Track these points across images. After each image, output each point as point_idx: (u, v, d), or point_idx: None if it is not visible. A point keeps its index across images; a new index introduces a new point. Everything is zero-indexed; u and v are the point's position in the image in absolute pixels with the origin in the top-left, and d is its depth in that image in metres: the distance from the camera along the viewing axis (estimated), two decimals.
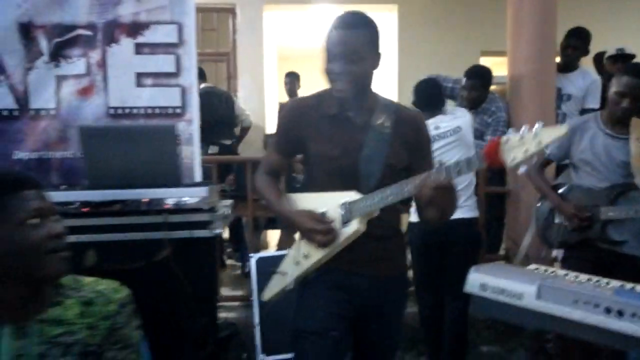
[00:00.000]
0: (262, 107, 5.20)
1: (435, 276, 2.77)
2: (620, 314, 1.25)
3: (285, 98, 5.36)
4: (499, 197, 3.48)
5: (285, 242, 4.00)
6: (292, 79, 5.24)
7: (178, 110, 2.83)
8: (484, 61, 5.44)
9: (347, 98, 1.51)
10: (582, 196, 2.23)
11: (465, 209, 2.64)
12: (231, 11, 4.81)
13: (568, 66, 3.48)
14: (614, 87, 2.17)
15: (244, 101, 4.63)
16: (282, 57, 6.76)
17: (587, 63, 3.86)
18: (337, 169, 1.53)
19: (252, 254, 3.14)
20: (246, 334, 2.93)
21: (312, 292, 1.57)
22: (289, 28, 6.76)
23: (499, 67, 4.12)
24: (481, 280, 1.49)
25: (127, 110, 2.86)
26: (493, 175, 3.39)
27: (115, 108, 2.86)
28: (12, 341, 1.03)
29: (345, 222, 1.48)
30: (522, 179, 2.88)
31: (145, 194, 1.64)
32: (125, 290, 1.15)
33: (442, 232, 2.46)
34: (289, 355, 2.88)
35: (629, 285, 1.40)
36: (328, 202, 1.53)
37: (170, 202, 1.75)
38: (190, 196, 1.70)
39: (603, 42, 3.89)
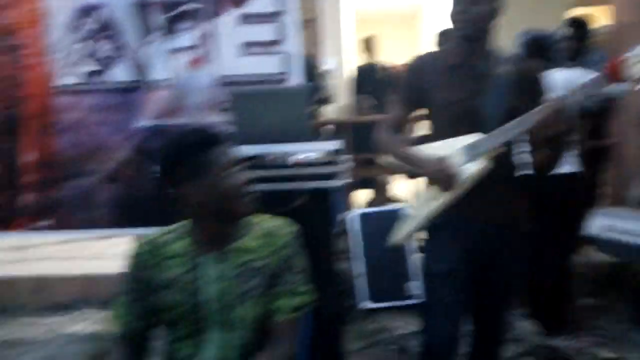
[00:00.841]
0: (342, 71, 5.30)
1: (538, 227, 2.81)
2: None
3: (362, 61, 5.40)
4: (597, 152, 3.42)
5: (375, 200, 4.18)
6: (370, 42, 5.27)
7: (283, 77, 3.01)
8: (579, 11, 5.23)
9: (468, 37, 1.59)
10: None
11: (565, 164, 2.65)
12: None
13: None
14: None
15: (326, 66, 4.74)
16: (360, 20, 6.79)
17: None
18: (460, 115, 1.62)
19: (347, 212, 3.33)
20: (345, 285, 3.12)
21: (438, 238, 1.70)
22: None
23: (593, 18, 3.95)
24: (607, 222, 1.55)
25: (235, 78, 3.08)
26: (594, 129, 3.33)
27: (224, 77, 3.09)
28: (215, 265, 1.25)
29: (469, 163, 1.58)
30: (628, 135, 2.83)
31: (283, 149, 1.82)
32: (294, 225, 1.34)
33: (545, 184, 2.49)
34: (391, 303, 3.09)
35: None
36: (452, 147, 1.63)
37: (301, 157, 1.92)
38: (321, 150, 1.86)
39: None
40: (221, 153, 1.24)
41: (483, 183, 1.59)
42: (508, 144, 1.61)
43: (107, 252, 4.08)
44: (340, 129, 3.73)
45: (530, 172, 1.94)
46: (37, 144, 3.29)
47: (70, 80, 3.19)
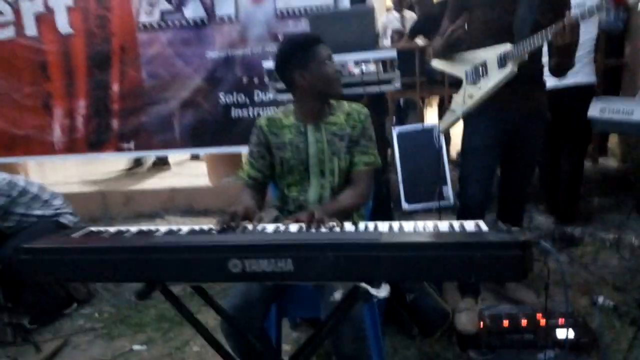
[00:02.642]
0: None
1: (554, 136, 3.25)
2: None
3: None
4: (616, 70, 3.77)
5: (412, 120, 4.64)
6: None
7: (331, 7, 3.43)
8: None
9: None
10: None
11: (582, 74, 3.04)
12: None
13: None
14: None
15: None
16: None
17: None
18: (495, 28, 2.06)
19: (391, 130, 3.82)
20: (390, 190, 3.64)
21: (475, 123, 2.19)
22: None
23: None
24: (601, 105, 2.01)
25: (290, 12, 3.53)
26: (611, 49, 3.68)
27: (282, 10, 3.54)
28: (314, 133, 1.79)
29: (501, 66, 2.05)
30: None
31: (355, 57, 2.32)
32: (366, 109, 1.85)
33: (563, 96, 2.90)
34: (422, 205, 3.61)
35: None
36: (489, 53, 2.09)
37: (357, 67, 2.41)
38: (382, 57, 2.35)
39: None
40: (321, 49, 1.73)
41: (512, 82, 2.05)
42: (533, 53, 2.04)
43: (181, 171, 4.72)
44: None
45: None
46: (124, 76, 3.85)
47: (149, 18, 3.70)
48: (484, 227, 1.29)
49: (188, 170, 4.68)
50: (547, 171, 3.38)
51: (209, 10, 3.64)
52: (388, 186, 3.05)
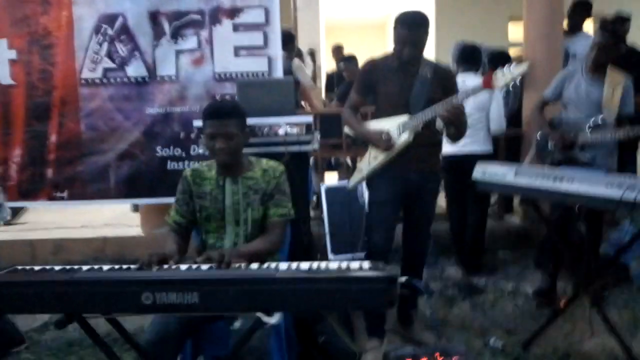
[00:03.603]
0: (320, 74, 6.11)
1: (461, 196, 3.66)
2: (563, 180, 2.13)
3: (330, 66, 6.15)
4: (516, 140, 4.29)
5: (340, 178, 4.98)
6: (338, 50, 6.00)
7: (266, 74, 3.77)
8: (512, 25, 6.15)
9: (408, 59, 2.38)
10: (568, 126, 3.05)
11: (478, 144, 3.51)
12: None
13: (573, 30, 4.23)
14: (593, 41, 2.98)
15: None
16: (328, 28, 7.60)
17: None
18: (396, 102, 2.41)
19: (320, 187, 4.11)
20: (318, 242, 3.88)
21: (379, 181, 2.50)
22: (336, 2, 7.55)
23: (520, 32, 4.81)
24: (482, 169, 2.37)
25: (228, 75, 3.83)
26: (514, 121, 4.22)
27: (219, 73, 3.84)
28: (230, 186, 2.01)
29: (400, 134, 2.39)
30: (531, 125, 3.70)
31: (275, 121, 2.60)
32: (282, 166, 2.10)
33: (463, 162, 3.31)
34: (350, 255, 3.86)
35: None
36: (389, 124, 2.43)
37: (282, 129, 2.70)
38: (301, 122, 2.65)
39: (605, 7, 4.61)
40: (208, 125, 1.90)
41: (411, 147, 2.40)
42: (427, 123, 2.40)
43: (115, 220, 4.76)
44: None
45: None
46: (62, 127, 3.96)
47: (92, 75, 3.89)
48: (365, 266, 1.53)
49: (121, 218, 4.74)
50: (456, 227, 3.76)
51: (151, 70, 3.87)
52: (310, 237, 3.28)
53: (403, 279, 1.47)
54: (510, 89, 2.94)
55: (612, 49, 2.95)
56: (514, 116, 4.25)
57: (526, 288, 3.34)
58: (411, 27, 2.32)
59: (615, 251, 2.77)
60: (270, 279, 1.41)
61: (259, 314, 1.38)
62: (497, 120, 3.58)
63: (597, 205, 2.05)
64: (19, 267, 1.59)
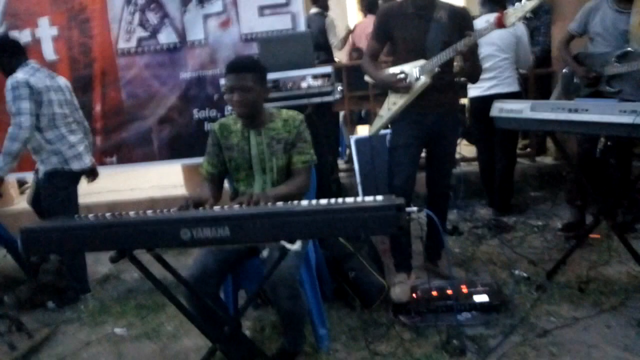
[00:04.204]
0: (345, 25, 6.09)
1: (488, 138, 3.69)
2: (577, 111, 2.17)
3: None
4: (546, 79, 4.23)
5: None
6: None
7: (290, 31, 3.86)
8: None
9: (422, 2, 2.42)
10: (594, 60, 3.01)
11: (505, 85, 3.50)
12: None
13: None
14: None
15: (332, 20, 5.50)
16: None
17: None
18: (412, 47, 2.47)
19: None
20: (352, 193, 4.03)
21: (400, 126, 2.59)
22: None
23: None
24: (499, 106, 2.43)
25: (254, 35, 3.94)
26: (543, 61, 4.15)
27: (246, 34, 3.96)
28: (255, 137, 2.17)
29: (418, 78, 2.46)
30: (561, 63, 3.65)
31: (294, 74, 2.73)
32: (301, 115, 2.24)
33: (489, 104, 3.32)
34: None
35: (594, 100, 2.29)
36: (407, 68, 2.50)
37: (305, 82, 2.81)
38: (320, 73, 2.76)
39: None
40: (227, 79, 2.03)
41: (429, 89, 2.47)
42: (444, 65, 2.45)
43: (161, 181, 5.07)
44: (339, 73, 4.57)
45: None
46: (105, 97, 4.23)
47: (127, 45, 4.10)
48: (378, 198, 1.68)
49: (167, 179, 5.05)
50: (485, 170, 3.81)
51: (181, 36, 4.04)
52: (339, 185, 3.43)
53: (415, 208, 1.60)
54: (524, 22, 2.89)
55: None
56: (544, 55, 4.17)
57: (556, 224, 3.39)
58: None
59: None
60: (291, 211, 1.57)
61: (283, 242, 1.55)
62: (524, 58, 3.55)
63: (612, 133, 2.08)
64: (77, 216, 1.82)
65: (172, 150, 4.28)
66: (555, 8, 4.11)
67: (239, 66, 2.05)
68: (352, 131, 4.87)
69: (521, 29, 3.48)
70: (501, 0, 3.70)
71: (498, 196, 3.71)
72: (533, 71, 4.03)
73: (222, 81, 2.92)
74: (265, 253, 1.91)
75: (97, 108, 4.24)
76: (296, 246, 1.56)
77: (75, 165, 3.05)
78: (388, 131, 4.26)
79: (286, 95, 2.74)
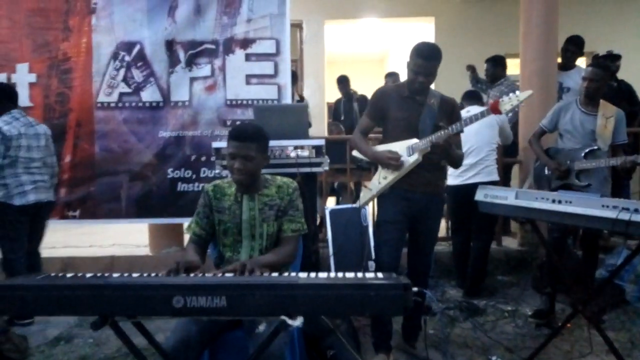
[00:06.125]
0: (323, 103, 6.33)
1: (465, 223, 3.80)
2: (561, 202, 2.27)
3: (333, 97, 6.41)
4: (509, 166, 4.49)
5: (343, 201, 5.10)
6: (344, 84, 6.23)
7: (275, 102, 3.95)
8: (508, 63, 6.41)
9: (420, 87, 2.55)
10: (564, 155, 3.22)
11: (485, 174, 3.67)
12: (299, 26, 5.92)
13: (567, 65, 4.47)
14: (584, 75, 3.18)
15: (308, 99, 5.74)
16: (329, 62, 7.88)
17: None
18: (405, 127, 2.56)
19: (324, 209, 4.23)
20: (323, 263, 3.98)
21: (388, 201, 2.63)
22: (340, 37, 7.85)
23: (517, 67, 5.06)
24: (484, 192, 2.52)
25: (239, 102, 4.01)
26: (509, 150, 4.40)
27: (231, 100, 4.02)
28: (247, 202, 2.13)
29: (409, 156, 2.54)
30: (527, 153, 3.89)
31: (289, 143, 2.76)
32: (295, 183, 2.23)
33: (470, 192, 3.45)
34: None
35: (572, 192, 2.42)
36: (398, 146, 2.58)
37: (293, 152, 2.84)
38: (313, 144, 2.79)
39: (597, 45, 4.89)
40: (230, 146, 2.03)
41: (418, 169, 2.54)
42: (436, 143, 2.54)
43: (123, 240, 4.84)
44: None
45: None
46: (76, 148, 4.10)
47: (108, 99, 4.05)
48: (380, 275, 1.65)
49: (130, 238, 4.83)
50: (459, 253, 3.88)
51: (165, 95, 4.05)
52: (318, 256, 3.38)
53: (415, 288, 1.59)
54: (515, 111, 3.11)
55: (603, 80, 3.15)
56: (509, 147, 4.43)
57: (525, 309, 3.44)
58: (427, 58, 2.49)
59: (610, 273, 2.89)
60: (294, 284, 1.52)
61: (284, 317, 1.48)
62: (506, 137, 3.93)
63: (593, 226, 2.18)
64: (52, 274, 1.70)
65: (140, 209, 4.13)
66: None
67: (244, 135, 2.05)
68: (324, 201, 4.90)
69: (502, 117, 3.73)
70: (479, 97, 4.04)
71: (470, 278, 3.75)
72: (501, 159, 4.24)
73: (214, 144, 2.90)
74: (262, 328, 1.81)
75: (67, 159, 4.09)
76: (297, 322, 1.49)
77: (17, 201, 3.31)
78: (356, 205, 4.34)
79: (276, 162, 2.75)
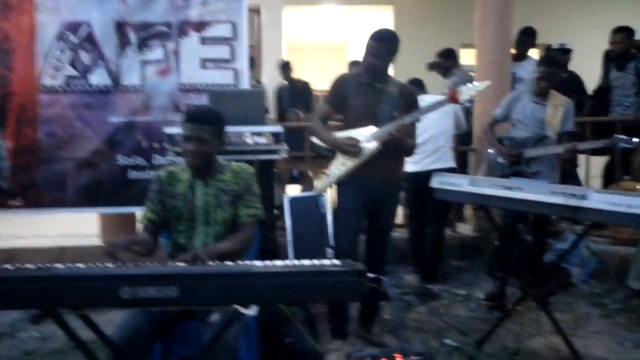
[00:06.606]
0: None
1: (421, 210, 3.85)
2: (512, 189, 2.32)
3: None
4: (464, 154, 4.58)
5: (303, 189, 5.08)
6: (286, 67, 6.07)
7: (232, 87, 3.85)
8: (464, 52, 6.52)
9: (374, 71, 2.54)
10: (515, 143, 3.30)
11: (442, 161, 3.72)
12: (256, 11, 5.79)
13: (520, 56, 4.58)
14: (535, 73, 3.27)
15: (266, 85, 5.65)
16: (290, 49, 7.79)
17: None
18: (364, 115, 2.56)
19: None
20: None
21: (346, 188, 2.62)
22: (300, 24, 7.76)
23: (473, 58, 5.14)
24: (440, 179, 2.55)
25: (193, 87, 3.88)
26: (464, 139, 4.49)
27: (185, 84, 3.89)
28: (201, 187, 2.07)
29: (367, 143, 2.53)
30: (482, 141, 3.97)
31: (245, 129, 2.69)
32: (251, 168, 2.18)
33: (426, 178, 3.49)
34: None
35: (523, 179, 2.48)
36: (357, 134, 2.57)
37: (249, 138, 2.78)
38: (272, 131, 2.75)
39: (551, 37, 5.05)
40: (185, 127, 1.99)
41: (377, 156, 2.54)
42: (390, 134, 2.55)
43: (72, 230, 4.65)
44: None
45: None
46: (18, 133, 3.87)
47: (53, 81, 3.84)
48: (336, 262, 1.63)
49: (78, 227, 4.64)
50: (415, 238, 3.93)
51: (115, 79, 3.87)
52: (275, 243, 3.35)
53: (371, 275, 1.58)
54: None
55: (553, 76, 3.24)
56: (464, 135, 4.51)
57: (478, 294, 3.53)
58: (377, 39, 2.51)
59: (558, 257, 3.00)
60: (249, 272, 1.47)
61: (237, 306, 1.45)
62: (459, 125, 3.96)
63: (543, 211, 2.25)
64: None
65: (89, 198, 3.96)
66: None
67: (199, 117, 1.99)
68: (283, 190, 4.86)
69: (457, 106, 3.78)
70: (423, 87, 4.05)
71: (427, 264, 3.81)
72: (457, 147, 4.31)
73: (167, 130, 2.80)
74: (215, 317, 1.77)
75: (9, 145, 3.86)
76: (252, 311, 1.46)
77: None
78: (315, 193, 4.31)
79: (233, 149, 2.68)
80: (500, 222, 3.31)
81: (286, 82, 5.79)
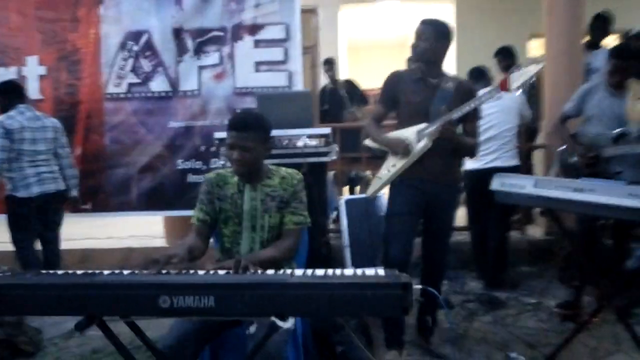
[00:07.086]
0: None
1: (481, 212, 3.62)
2: (583, 191, 2.09)
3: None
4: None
5: (359, 192, 4.97)
6: (330, 66, 5.94)
7: (286, 89, 3.82)
8: (532, 43, 6.12)
9: (421, 56, 2.43)
10: (591, 141, 3.00)
11: (504, 159, 3.49)
12: (313, 11, 5.74)
13: (595, 44, 4.19)
14: (607, 65, 2.96)
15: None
16: (350, 48, 7.69)
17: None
18: (417, 112, 2.42)
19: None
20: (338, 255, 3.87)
21: (396, 191, 2.50)
22: (358, 22, 7.64)
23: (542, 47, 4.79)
24: (501, 180, 2.35)
25: (248, 90, 3.90)
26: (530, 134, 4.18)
27: (240, 88, 3.91)
28: (249, 192, 2.03)
29: (418, 141, 2.39)
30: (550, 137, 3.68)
31: (293, 133, 2.63)
32: (300, 174, 2.12)
33: (487, 177, 3.28)
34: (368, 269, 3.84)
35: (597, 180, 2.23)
36: (408, 132, 2.44)
37: (300, 141, 2.72)
38: (321, 134, 2.67)
39: (630, 22, 4.57)
40: (229, 136, 1.95)
41: (430, 156, 2.40)
42: (439, 131, 2.39)
43: (140, 231, 4.84)
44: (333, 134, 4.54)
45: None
46: (87, 140, 4.07)
47: (117, 89, 4.00)
48: (380, 273, 1.53)
49: (142, 230, 4.83)
50: (478, 242, 3.71)
51: (174, 84, 3.97)
52: (329, 249, 3.27)
53: (418, 286, 1.46)
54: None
55: (629, 69, 2.91)
56: (530, 132, 4.22)
57: (549, 303, 3.26)
58: (423, 22, 2.41)
59: None
60: (285, 283, 1.41)
61: (273, 318, 1.38)
62: (526, 115, 3.69)
63: (619, 216, 2.00)
64: (43, 271, 1.63)
65: (151, 201, 4.09)
66: (549, 75, 4.19)
67: (241, 124, 1.95)
68: (340, 192, 4.78)
69: (518, 99, 3.54)
70: (485, 77, 3.82)
71: (490, 270, 3.59)
72: (524, 144, 4.03)
73: (217, 134, 2.81)
74: (252, 329, 1.72)
75: (78, 151, 4.07)
76: (289, 324, 1.38)
77: (21, 194, 3.31)
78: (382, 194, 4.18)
79: (281, 152, 2.64)
80: (575, 224, 3.03)
81: (329, 82, 5.66)
